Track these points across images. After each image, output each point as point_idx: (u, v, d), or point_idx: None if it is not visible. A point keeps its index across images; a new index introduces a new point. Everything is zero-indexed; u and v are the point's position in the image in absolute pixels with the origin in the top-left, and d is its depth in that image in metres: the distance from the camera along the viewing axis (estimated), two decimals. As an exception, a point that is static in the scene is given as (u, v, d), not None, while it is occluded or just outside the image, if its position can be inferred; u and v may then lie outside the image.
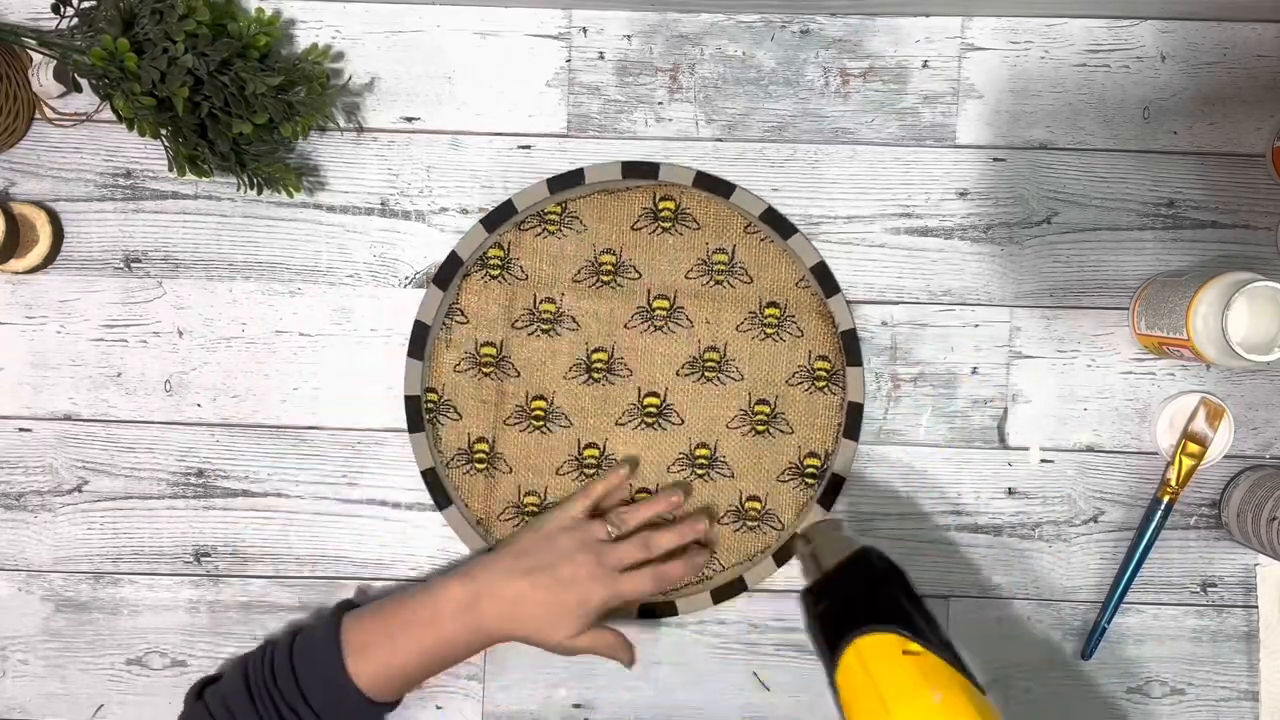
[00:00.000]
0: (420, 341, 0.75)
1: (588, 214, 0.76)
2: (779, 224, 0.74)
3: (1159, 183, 0.75)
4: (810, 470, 0.75)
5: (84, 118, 0.76)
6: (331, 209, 0.76)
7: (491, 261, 0.76)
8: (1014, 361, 0.75)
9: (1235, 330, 0.63)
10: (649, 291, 0.75)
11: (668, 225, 0.75)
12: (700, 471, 0.76)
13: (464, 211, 0.76)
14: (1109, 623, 0.74)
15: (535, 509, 0.76)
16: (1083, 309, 0.75)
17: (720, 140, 0.75)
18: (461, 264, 0.75)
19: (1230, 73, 0.74)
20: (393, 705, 0.68)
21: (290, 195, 0.74)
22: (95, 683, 0.76)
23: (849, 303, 0.75)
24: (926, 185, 0.75)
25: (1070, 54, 0.75)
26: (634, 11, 0.75)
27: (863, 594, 0.59)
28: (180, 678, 0.76)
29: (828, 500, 0.74)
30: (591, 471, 0.75)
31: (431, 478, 0.75)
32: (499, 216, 0.75)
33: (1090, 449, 0.75)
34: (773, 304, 0.75)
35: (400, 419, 0.75)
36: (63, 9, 0.68)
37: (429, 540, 0.76)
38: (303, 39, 0.75)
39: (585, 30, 0.75)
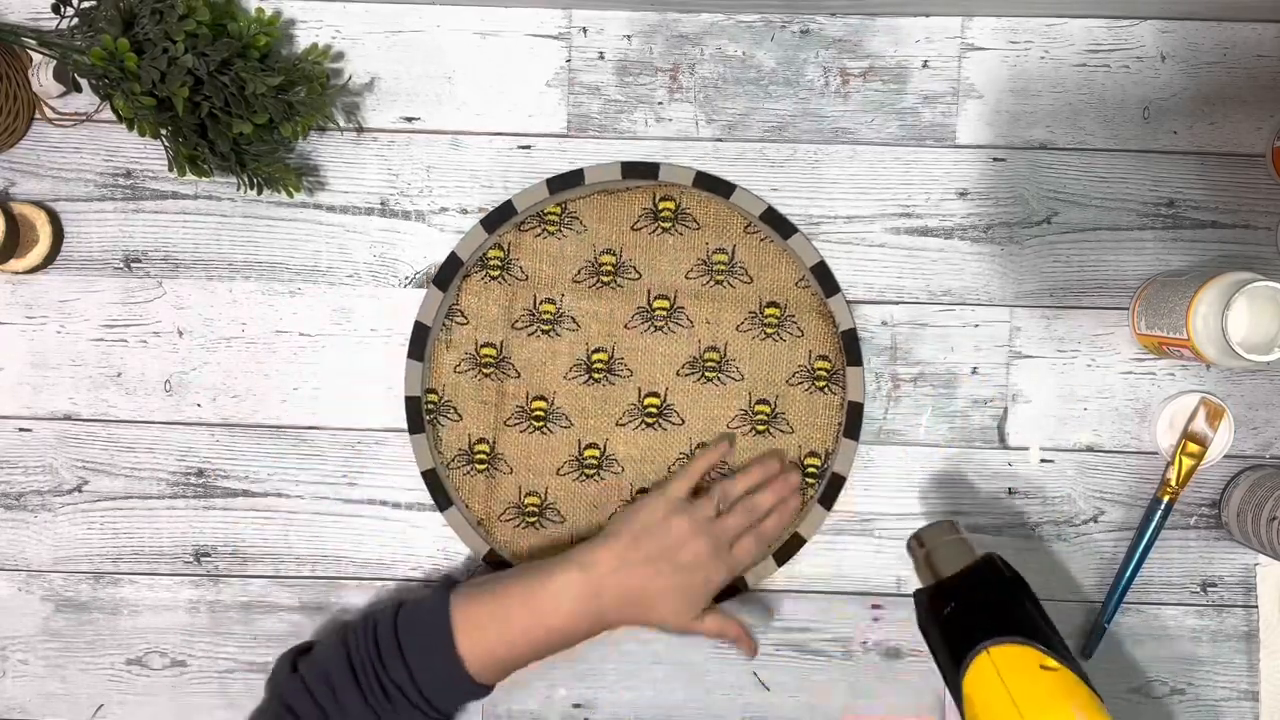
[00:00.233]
0: (420, 343, 0.75)
1: (588, 214, 0.76)
2: (779, 224, 0.74)
3: (1159, 183, 0.75)
4: (810, 470, 0.75)
5: (84, 118, 0.76)
6: (331, 209, 0.76)
7: (491, 262, 0.76)
8: (1014, 361, 0.75)
9: (1235, 330, 0.63)
10: (649, 292, 0.75)
11: (668, 225, 0.75)
12: (700, 471, 0.76)
13: (464, 211, 0.76)
14: (1109, 622, 0.74)
15: (535, 510, 0.75)
16: (1083, 309, 0.75)
17: (720, 140, 0.75)
18: (461, 264, 0.75)
19: (1230, 73, 0.74)
20: (490, 689, 0.67)
21: (290, 195, 0.74)
22: (95, 683, 0.76)
23: (849, 302, 0.75)
24: (926, 185, 0.75)
25: (1070, 54, 0.75)
26: (634, 11, 0.75)
27: (993, 601, 0.58)
28: (180, 678, 0.76)
29: (828, 500, 0.74)
30: (592, 472, 0.76)
31: (432, 479, 0.75)
32: (499, 217, 0.75)
33: (1090, 449, 0.75)
34: (773, 304, 0.75)
35: (400, 419, 0.75)
36: (63, 9, 0.68)
37: (429, 541, 0.76)
38: (303, 39, 0.75)
39: (585, 30, 0.75)
